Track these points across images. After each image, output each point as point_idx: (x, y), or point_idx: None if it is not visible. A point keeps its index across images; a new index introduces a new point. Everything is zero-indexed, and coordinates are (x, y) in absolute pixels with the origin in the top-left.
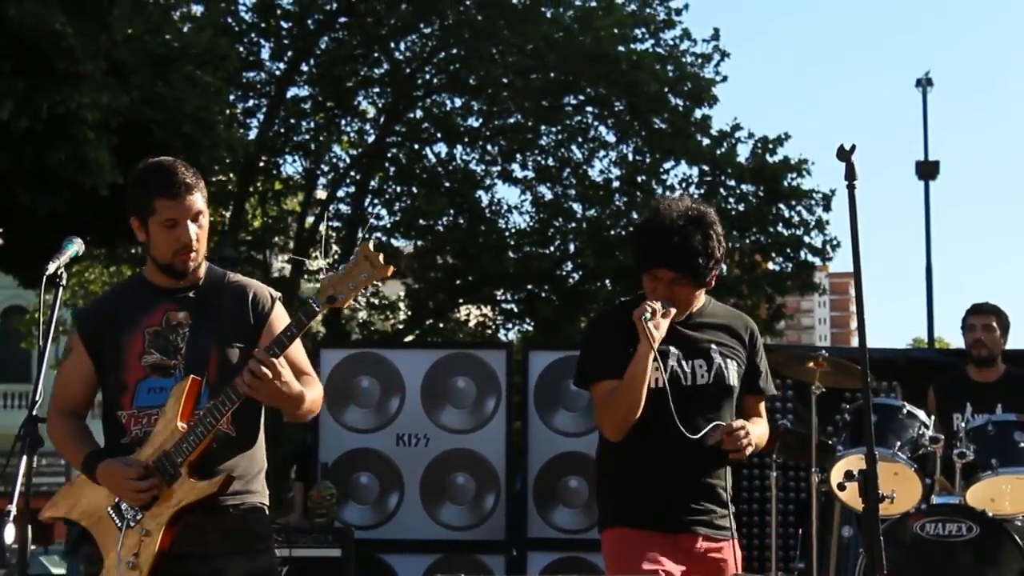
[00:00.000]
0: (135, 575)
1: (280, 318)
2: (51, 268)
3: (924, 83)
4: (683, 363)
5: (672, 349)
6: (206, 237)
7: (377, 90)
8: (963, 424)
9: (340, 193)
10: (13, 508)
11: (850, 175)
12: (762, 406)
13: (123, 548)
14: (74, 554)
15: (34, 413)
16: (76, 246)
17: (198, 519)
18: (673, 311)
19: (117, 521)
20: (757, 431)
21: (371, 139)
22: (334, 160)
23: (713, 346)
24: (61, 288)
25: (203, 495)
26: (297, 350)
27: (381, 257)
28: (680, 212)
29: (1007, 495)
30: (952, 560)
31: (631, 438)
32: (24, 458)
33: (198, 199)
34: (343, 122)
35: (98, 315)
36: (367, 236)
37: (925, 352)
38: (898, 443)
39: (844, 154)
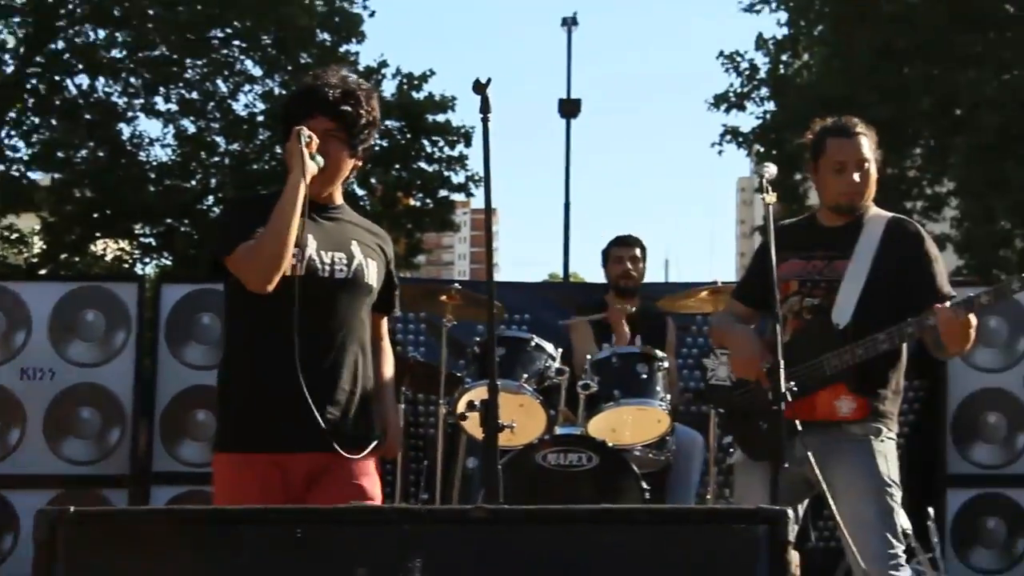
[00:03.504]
0: None
1: None
2: None
3: (569, 23)
4: (321, 253)
5: (309, 238)
6: None
7: (18, 20)
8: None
9: None
10: None
11: (484, 108)
12: (385, 325)
13: None
14: None
15: None
16: None
17: None
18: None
19: None
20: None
21: (10, 70)
22: None
23: (354, 242)
24: None
25: None
26: None
27: None
28: (343, 75)
29: (628, 426)
30: (574, 489)
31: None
32: None
33: None
34: None
35: None
36: None
37: (559, 286)
38: (525, 375)
39: (480, 87)
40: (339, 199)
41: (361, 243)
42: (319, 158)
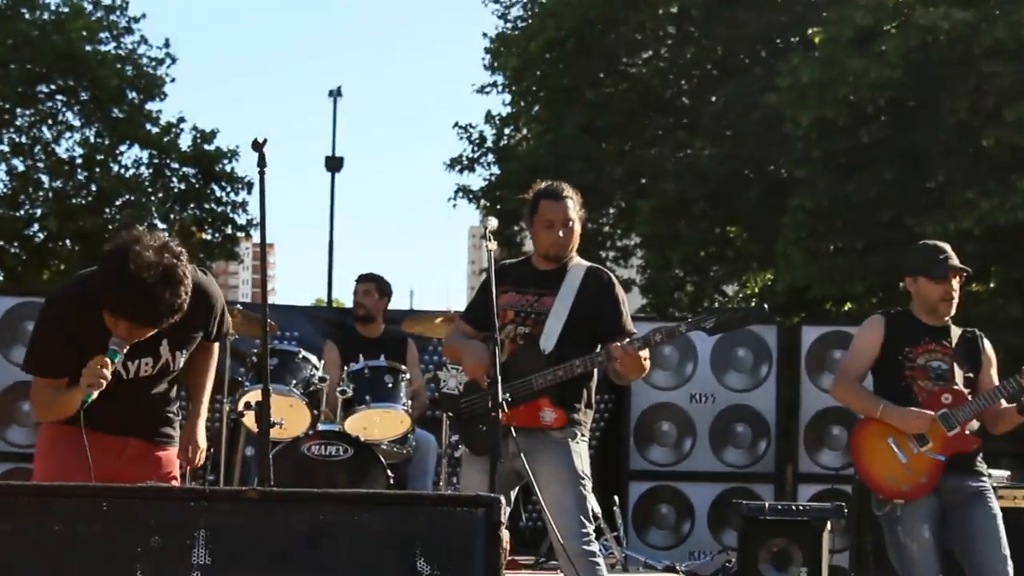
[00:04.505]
0: None
1: None
2: None
3: (335, 93)
4: (127, 364)
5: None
6: None
7: None
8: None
9: None
10: None
11: (261, 163)
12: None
13: None
14: None
15: None
16: None
17: None
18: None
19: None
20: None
21: None
22: None
23: (165, 341)
24: None
25: None
26: None
27: None
28: (163, 268)
29: (377, 424)
30: (332, 476)
31: None
32: None
33: None
34: None
35: None
36: None
37: (323, 310)
38: (293, 381)
39: (257, 145)
40: None
41: (173, 338)
42: (118, 353)
